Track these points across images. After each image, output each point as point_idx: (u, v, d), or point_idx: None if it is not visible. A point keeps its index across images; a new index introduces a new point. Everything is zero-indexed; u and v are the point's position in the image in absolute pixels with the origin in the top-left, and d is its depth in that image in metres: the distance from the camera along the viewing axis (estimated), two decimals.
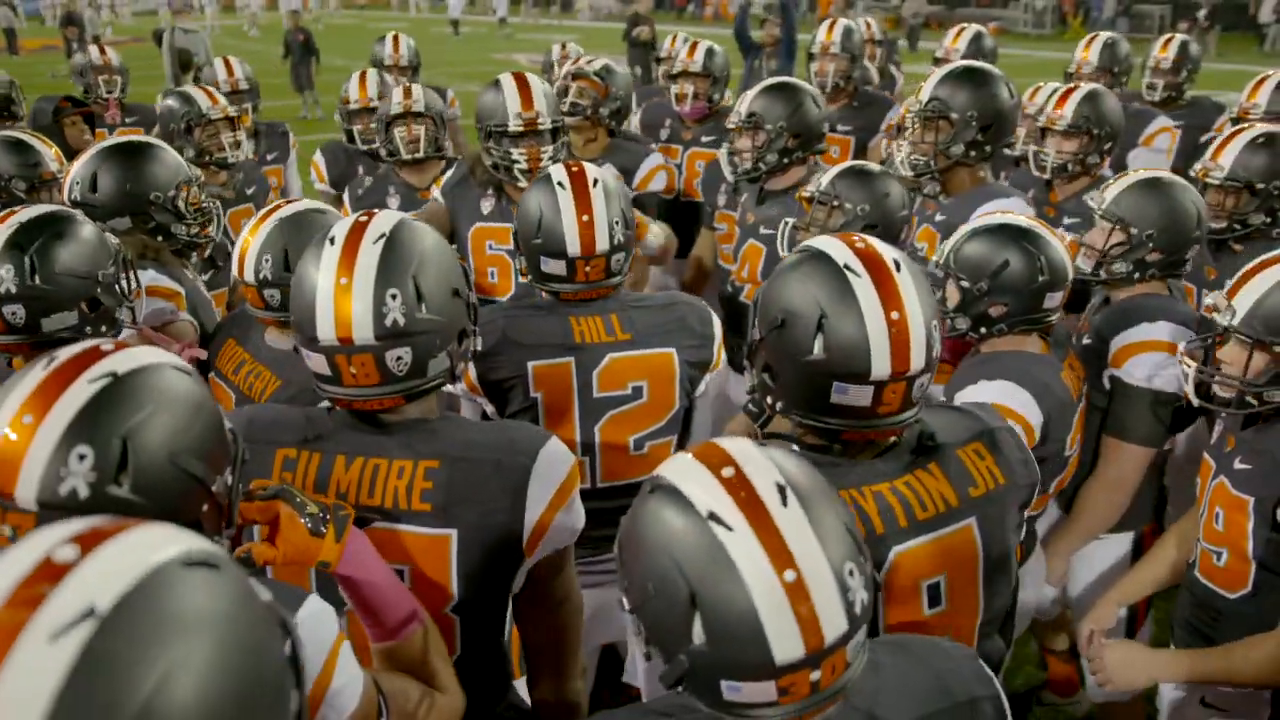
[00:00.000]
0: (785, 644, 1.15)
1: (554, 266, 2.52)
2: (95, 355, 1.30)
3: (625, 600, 1.28)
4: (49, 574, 0.77)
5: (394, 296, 1.69)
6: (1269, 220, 3.29)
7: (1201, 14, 23.12)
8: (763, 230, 3.68)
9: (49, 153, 3.60)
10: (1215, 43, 22.61)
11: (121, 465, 1.24)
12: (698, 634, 1.18)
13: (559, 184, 2.52)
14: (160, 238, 2.95)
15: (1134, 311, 2.78)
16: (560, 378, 2.49)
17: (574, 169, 2.56)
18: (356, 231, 1.74)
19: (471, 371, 2.48)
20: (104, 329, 2.35)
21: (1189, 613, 2.44)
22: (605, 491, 2.52)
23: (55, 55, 24.95)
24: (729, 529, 1.17)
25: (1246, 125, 3.42)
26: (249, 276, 2.42)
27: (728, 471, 1.22)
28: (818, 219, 3.01)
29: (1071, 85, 3.75)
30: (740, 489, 1.20)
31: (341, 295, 1.69)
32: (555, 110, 3.43)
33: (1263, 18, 24.91)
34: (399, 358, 1.72)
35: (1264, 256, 2.28)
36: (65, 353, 1.30)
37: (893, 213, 2.97)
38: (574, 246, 2.48)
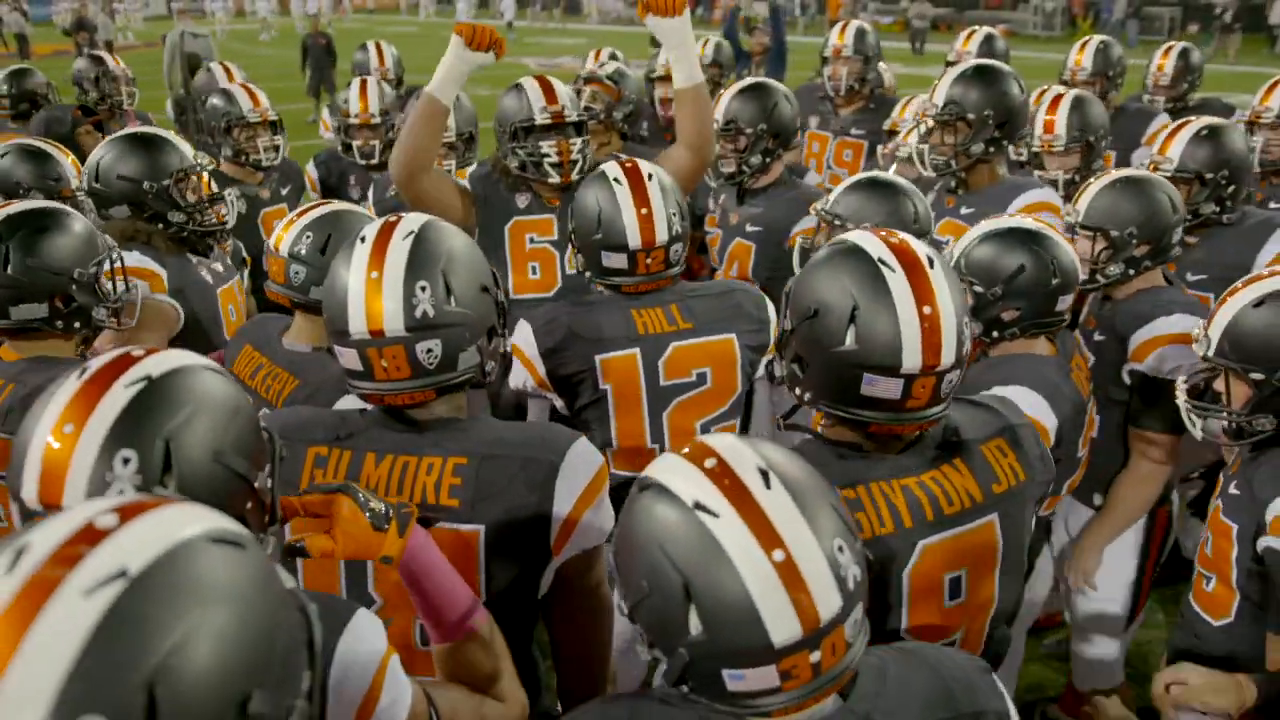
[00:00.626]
0: (781, 624, 1.17)
1: (615, 260, 2.57)
2: (128, 361, 1.32)
3: (623, 605, 1.29)
4: (89, 537, 0.84)
5: (424, 289, 1.73)
6: (1218, 209, 3.34)
7: (1228, 15, 22.72)
8: (749, 228, 3.71)
9: (67, 163, 3.59)
10: (1236, 47, 22.26)
11: (166, 466, 1.27)
12: (694, 625, 1.19)
13: (615, 180, 2.57)
14: (161, 225, 3.08)
15: (1148, 306, 2.82)
16: (627, 369, 2.55)
17: (627, 165, 2.61)
18: (386, 230, 1.79)
19: (540, 368, 2.55)
20: (77, 325, 2.41)
21: (1177, 635, 2.45)
22: None
23: (66, 60, 25.03)
24: (715, 515, 1.20)
25: (1192, 119, 3.49)
26: (283, 249, 2.47)
27: (710, 463, 1.25)
28: (819, 244, 3.00)
29: (1055, 97, 3.81)
30: (723, 477, 1.23)
31: (372, 289, 1.73)
32: (577, 107, 3.45)
33: (1273, 19, 24.82)
34: (429, 350, 1.75)
35: (1235, 284, 2.29)
36: (97, 362, 1.33)
37: (902, 228, 2.94)
38: (635, 239, 2.54)
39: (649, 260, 2.56)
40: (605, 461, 1.88)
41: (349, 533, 1.48)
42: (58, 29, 31.80)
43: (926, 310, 1.67)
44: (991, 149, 3.42)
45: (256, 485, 1.38)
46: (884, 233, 1.79)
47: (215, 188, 3.33)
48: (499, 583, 1.78)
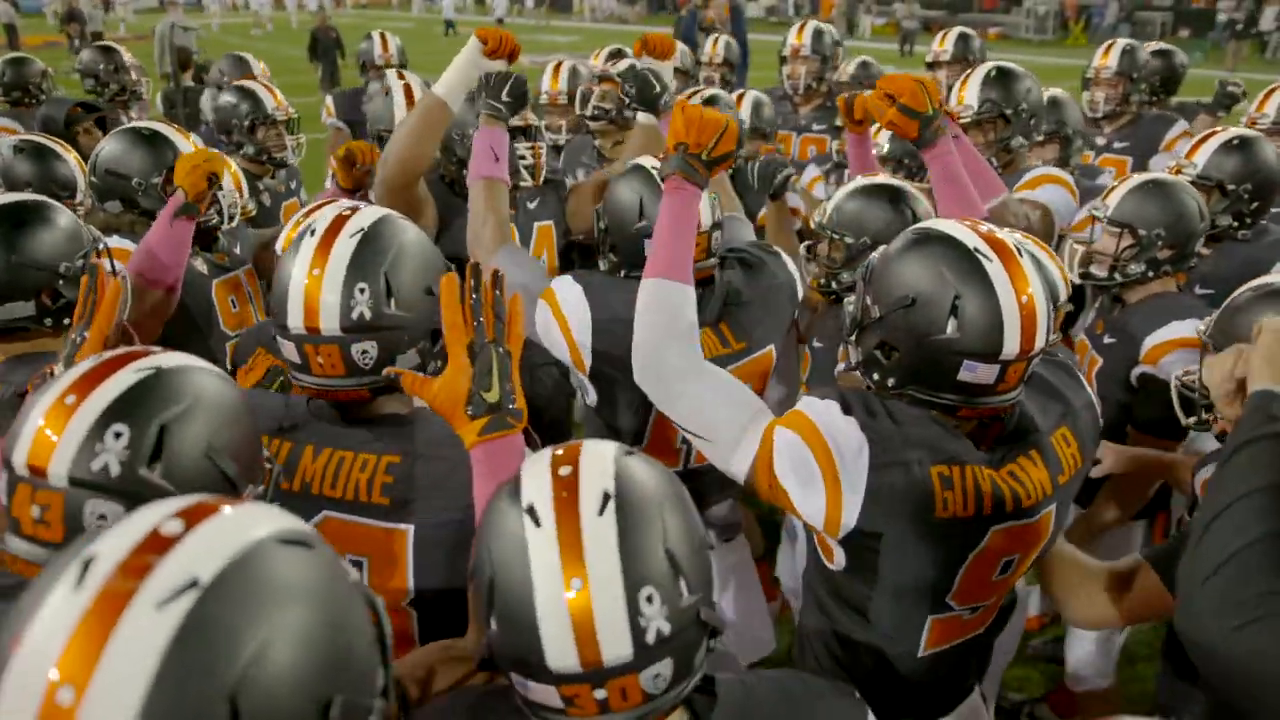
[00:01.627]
0: (558, 652, 1.14)
1: None
2: (142, 353, 1.37)
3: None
4: (156, 545, 0.83)
5: (362, 290, 1.73)
6: (1235, 224, 3.32)
7: (1237, 19, 22.27)
8: None
9: (74, 165, 3.45)
10: (1242, 55, 21.85)
11: (156, 451, 1.29)
12: (493, 620, 1.19)
13: (654, 169, 2.52)
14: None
15: (1162, 310, 2.84)
16: None
17: (662, 156, 2.55)
18: (336, 224, 1.79)
19: (586, 361, 2.46)
20: (66, 321, 2.31)
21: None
22: (692, 473, 2.57)
23: (58, 51, 24.90)
24: (537, 525, 1.17)
25: (1221, 128, 3.47)
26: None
27: (565, 470, 1.22)
28: (821, 253, 2.96)
29: None
30: (565, 489, 1.19)
31: (313, 285, 1.74)
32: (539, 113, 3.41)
33: (1264, 25, 24.93)
34: (364, 351, 1.75)
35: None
36: (113, 351, 1.37)
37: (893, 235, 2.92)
38: None
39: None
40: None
41: (444, 391, 1.57)
42: (49, 20, 31.66)
43: (1024, 299, 1.71)
44: (1026, 140, 3.65)
45: (243, 496, 1.38)
46: (969, 222, 1.82)
47: (244, 183, 3.32)
48: (429, 581, 1.76)
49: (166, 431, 1.30)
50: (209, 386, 1.38)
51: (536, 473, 1.23)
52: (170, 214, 2.72)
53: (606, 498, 1.18)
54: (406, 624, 1.79)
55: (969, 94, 3.63)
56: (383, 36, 5.93)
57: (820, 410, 1.80)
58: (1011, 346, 1.71)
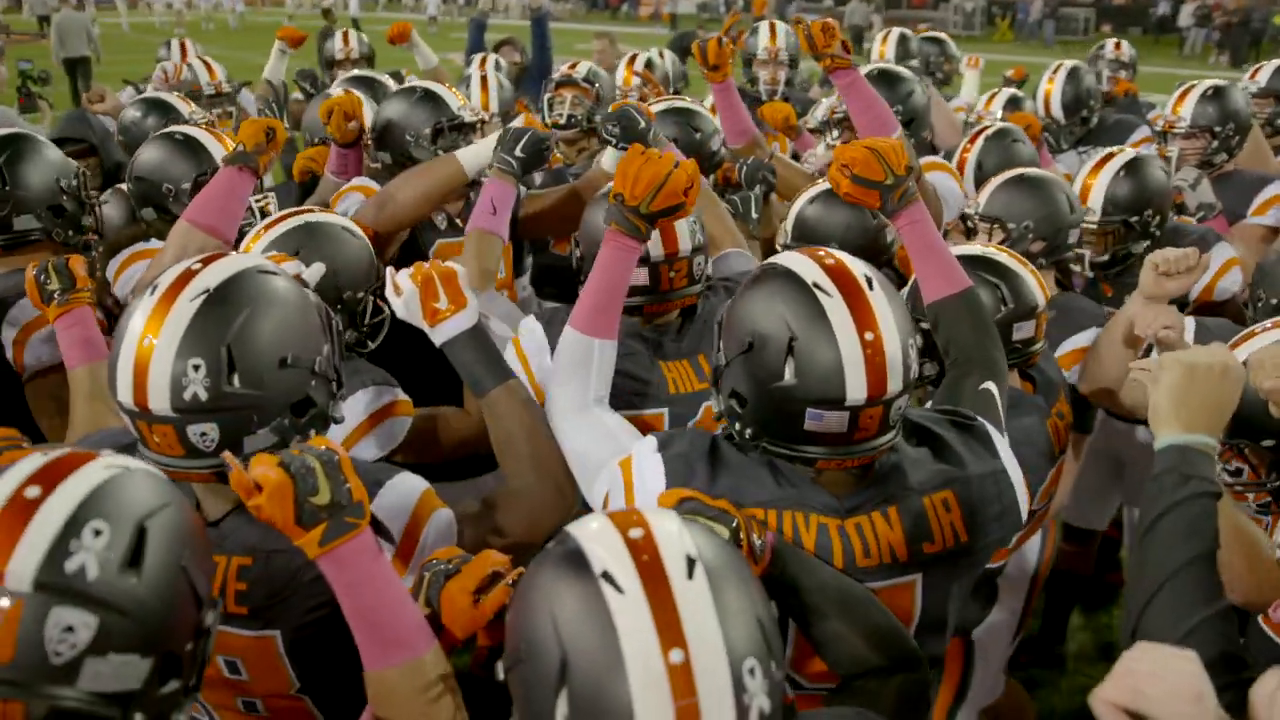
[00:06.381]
0: None
1: (637, 276, 2.21)
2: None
3: (500, 668, 1.14)
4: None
5: (196, 368, 1.50)
6: (1150, 244, 3.13)
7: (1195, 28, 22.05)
8: None
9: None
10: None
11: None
12: (562, 709, 1.01)
13: None
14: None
15: (1057, 320, 2.72)
16: (651, 429, 2.21)
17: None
18: (179, 283, 1.55)
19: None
20: (71, 233, 2.65)
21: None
22: None
23: None
24: (620, 591, 1.03)
25: (1108, 155, 3.21)
26: None
27: (636, 533, 1.09)
28: None
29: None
30: (644, 551, 1.07)
31: (143, 357, 1.51)
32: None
33: (1182, 21, 25.45)
34: (203, 434, 1.53)
35: None
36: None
37: (867, 240, 2.73)
38: (657, 249, 2.24)
39: (672, 274, 2.26)
40: None
41: (269, 504, 1.30)
42: None
43: (868, 336, 1.54)
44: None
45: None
46: (821, 252, 1.65)
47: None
48: (311, 672, 1.62)
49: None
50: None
51: (603, 539, 1.09)
52: (226, 160, 2.57)
53: (692, 561, 1.06)
54: (302, 705, 1.68)
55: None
56: (344, 34, 5.99)
57: (642, 444, 1.74)
58: (856, 391, 1.54)
